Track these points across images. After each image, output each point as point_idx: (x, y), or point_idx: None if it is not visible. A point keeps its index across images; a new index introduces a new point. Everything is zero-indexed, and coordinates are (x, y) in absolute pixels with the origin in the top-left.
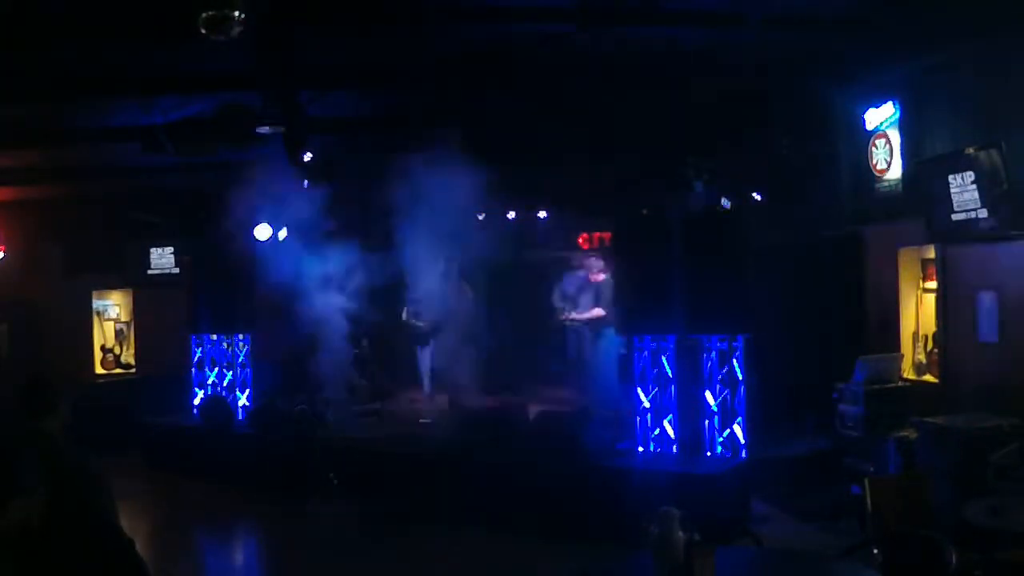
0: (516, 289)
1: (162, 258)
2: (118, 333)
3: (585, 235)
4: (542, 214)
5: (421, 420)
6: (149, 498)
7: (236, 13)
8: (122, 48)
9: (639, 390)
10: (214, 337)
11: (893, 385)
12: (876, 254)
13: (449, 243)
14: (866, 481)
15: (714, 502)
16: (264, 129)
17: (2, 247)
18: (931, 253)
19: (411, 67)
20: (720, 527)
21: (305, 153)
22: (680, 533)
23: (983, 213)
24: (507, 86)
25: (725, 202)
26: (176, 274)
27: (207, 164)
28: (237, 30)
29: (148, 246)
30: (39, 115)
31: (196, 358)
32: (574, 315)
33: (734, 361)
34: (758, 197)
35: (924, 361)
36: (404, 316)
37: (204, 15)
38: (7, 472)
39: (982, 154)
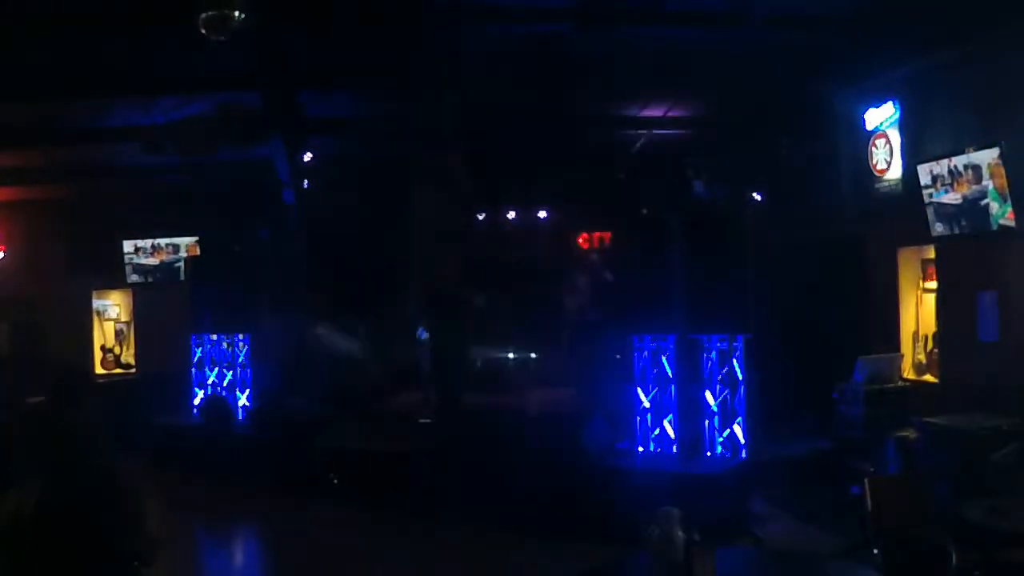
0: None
1: None
2: (118, 333)
3: (585, 235)
4: (542, 214)
5: (420, 420)
6: (149, 498)
7: (236, 13)
8: (122, 48)
9: (639, 390)
10: (214, 337)
11: (893, 385)
12: (876, 254)
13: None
14: (866, 481)
15: (714, 502)
16: (264, 129)
17: (2, 247)
18: (931, 253)
19: (411, 67)
20: (720, 527)
21: (305, 153)
22: (680, 533)
23: None
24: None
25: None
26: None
27: (207, 164)
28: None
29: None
30: (39, 115)
31: (196, 358)
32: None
33: (734, 361)
34: (758, 197)
35: (924, 361)
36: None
37: (204, 15)
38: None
39: (982, 154)
